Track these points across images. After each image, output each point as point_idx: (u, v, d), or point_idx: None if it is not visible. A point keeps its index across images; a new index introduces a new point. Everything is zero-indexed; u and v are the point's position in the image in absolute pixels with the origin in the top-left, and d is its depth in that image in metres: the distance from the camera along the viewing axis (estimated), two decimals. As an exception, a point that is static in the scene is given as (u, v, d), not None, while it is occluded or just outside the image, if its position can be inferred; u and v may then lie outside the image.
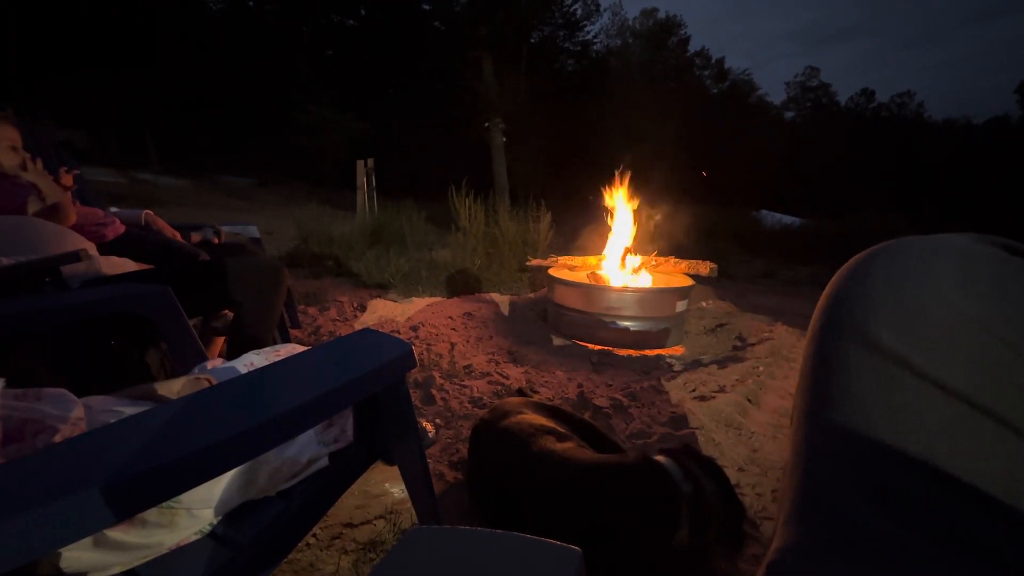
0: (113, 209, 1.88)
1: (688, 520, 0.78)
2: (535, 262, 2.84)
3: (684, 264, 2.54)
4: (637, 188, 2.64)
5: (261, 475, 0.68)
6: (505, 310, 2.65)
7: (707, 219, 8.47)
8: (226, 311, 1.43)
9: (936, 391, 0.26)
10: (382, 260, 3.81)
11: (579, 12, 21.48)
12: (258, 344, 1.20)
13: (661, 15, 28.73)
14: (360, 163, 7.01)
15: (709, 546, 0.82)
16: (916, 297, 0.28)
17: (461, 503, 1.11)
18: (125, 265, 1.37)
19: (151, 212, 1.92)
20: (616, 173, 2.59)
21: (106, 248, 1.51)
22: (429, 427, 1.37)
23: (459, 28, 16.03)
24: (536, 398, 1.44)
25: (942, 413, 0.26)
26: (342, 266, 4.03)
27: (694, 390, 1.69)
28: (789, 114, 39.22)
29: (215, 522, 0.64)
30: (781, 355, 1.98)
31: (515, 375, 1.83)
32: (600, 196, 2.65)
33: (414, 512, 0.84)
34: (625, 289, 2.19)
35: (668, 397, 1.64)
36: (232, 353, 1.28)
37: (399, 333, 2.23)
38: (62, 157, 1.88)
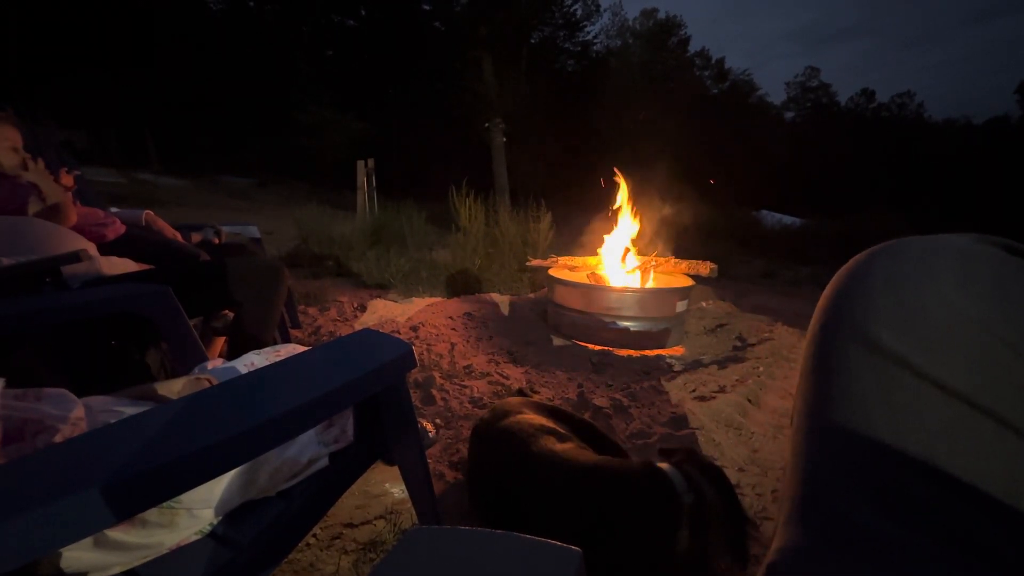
0: (113, 209, 1.88)
1: (688, 531, 0.78)
2: (535, 262, 2.84)
3: (684, 264, 2.54)
4: (640, 188, 2.64)
5: (261, 475, 0.68)
6: (505, 310, 2.65)
7: (707, 219, 8.47)
8: (226, 311, 1.43)
9: (936, 391, 0.26)
10: (382, 260, 3.81)
11: (579, 12, 21.51)
12: (258, 344, 1.20)
13: (661, 15, 28.75)
14: (360, 163, 7.01)
15: (710, 553, 0.81)
16: (916, 297, 0.27)
17: (461, 503, 1.11)
18: (125, 265, 1.37)
19: (151, 212, 1.92)
20: (619, 172, 2.59)
21: (106, 248, 1.51)
22: (429, 427, 1.37)
23: (459, 28, 16.05)
24: (536, 398, 1.44)
25: (942, 413, 0.26)
26: (342, 266, 4.03)
27: (694, 390, 1.69)
28: (789, 114, 39.23)
29: (215, 522, 0.64)
30: (781, 355, 1.98)
31: (515, 375, 1.83)
32: (614, 178, 2.61)
33: (414, 512, 0.84)
34: (625, 289, 2.19)
35: (668, 397, 1.64)
36: (232, 353, 1.28)
37: (399, 333, 2.23)
38: (62, 157, 1.88)
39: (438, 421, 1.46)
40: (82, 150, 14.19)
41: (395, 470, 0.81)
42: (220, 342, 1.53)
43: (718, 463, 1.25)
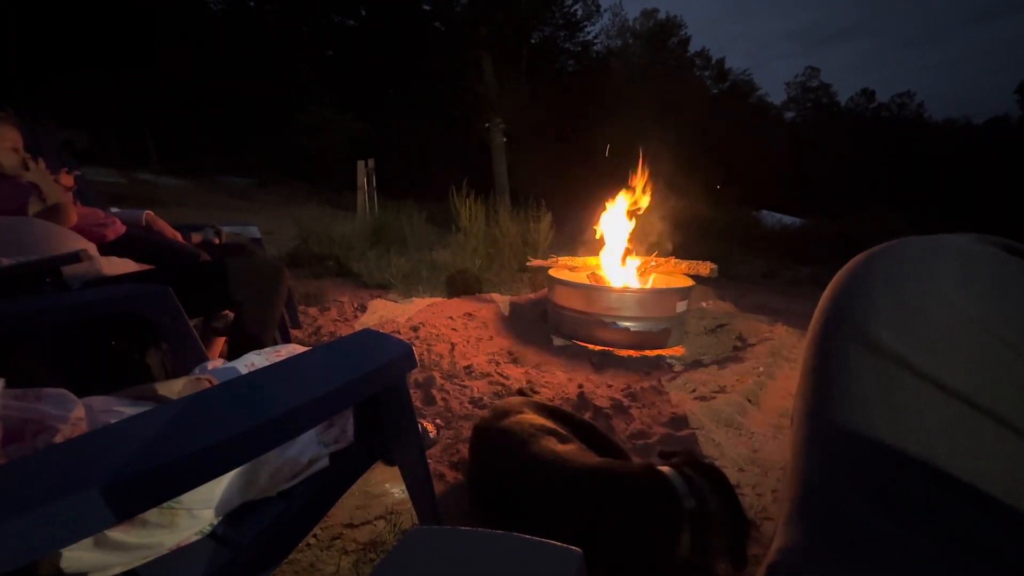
0: (114, 209, 1.88)
1: (689, 536, 0.78)
2: (535, 262, 2.84)
3: (684, 264, 2.54)
4: (641, 187, 2.63)
5: (262, 475, 0.68)
6: (505, 310, 2.65)
7: (707, 219, 8.47)
8: (227, 311, 1.43)
9: (936, 391, 0.26)
10: (382, 260, 3.81)
11: (579, 13, 21.48)
12: (259, 344, 1.20)
13: (661, 15, 28.77)
14: (360, 163, 7.00)
15: (710, 556, 0.81)
16: (916, 297, 0.28)
17: (461, 503, 1.11)
18: (126, 265, 1.37)
19: (151, 212, 1.92)
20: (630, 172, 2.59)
21: (107, 248, 1.51)
22: (430, 427, 1.37)
23: (459, 28, 16.05)
24: (536, 398, 1.44)
25: (942, 413, 0.26)
26: (342, 266, 4.03)
27: (694, 390, 1.69)
28: (789, 114, 39.20)
29: (216, 522, 0.64)
30: (781, 355, 1.98)
31: (515, 375, 1.83)
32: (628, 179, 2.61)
33: (414, 512, 0.84)
34: (625, 290, 2.19)
35: (668, 397, 1.63)
36: (233, 353, 1.28)
37: (399, 333, 2.23)
38: (63, 157, 1.88)
39: (438, 421, 1.46)
40: (82, 150, 14.18)
41: (395, 470, 0.81)
42: (220, 342, 1.53)
43: (718, 463, 1.26)
